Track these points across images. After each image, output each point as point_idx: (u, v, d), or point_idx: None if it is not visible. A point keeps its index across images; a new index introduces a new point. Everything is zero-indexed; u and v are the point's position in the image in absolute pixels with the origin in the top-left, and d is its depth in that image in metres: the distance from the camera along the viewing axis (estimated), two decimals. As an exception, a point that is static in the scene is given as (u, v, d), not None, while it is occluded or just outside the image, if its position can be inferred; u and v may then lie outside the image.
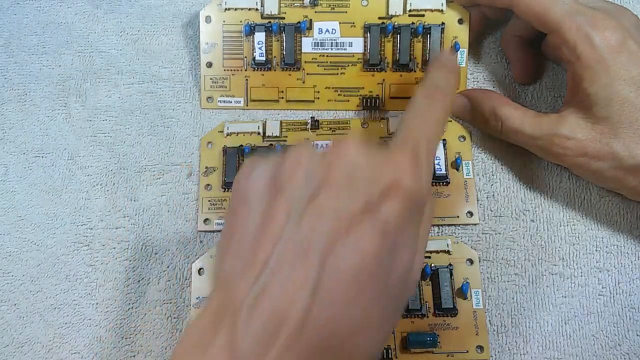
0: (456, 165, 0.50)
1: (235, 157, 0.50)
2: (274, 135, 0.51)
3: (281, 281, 0.31)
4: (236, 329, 0.31)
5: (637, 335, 0.47)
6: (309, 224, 0.32)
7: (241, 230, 0.34)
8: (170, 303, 0.49)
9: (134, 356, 0.48)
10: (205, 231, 0.50)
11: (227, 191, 0.50)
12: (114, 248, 0.50)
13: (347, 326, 0.31)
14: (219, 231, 0.50)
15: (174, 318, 0.48)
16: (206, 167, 0.51)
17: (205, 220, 0.50)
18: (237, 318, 0.31)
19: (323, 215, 0.32)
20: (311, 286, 0.31)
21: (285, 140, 0.51)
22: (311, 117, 0.52)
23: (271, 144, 0.51)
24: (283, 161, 0.35)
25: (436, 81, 0.41)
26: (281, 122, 0.52)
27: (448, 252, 0.49)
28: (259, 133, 0.51)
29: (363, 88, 0.53)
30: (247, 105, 0.53)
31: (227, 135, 0.51)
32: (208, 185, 0.51)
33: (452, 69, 0.43)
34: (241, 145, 0.51)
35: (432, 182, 0.50)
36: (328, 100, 0.53)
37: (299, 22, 0.52)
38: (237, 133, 0.51)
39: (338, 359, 0.31)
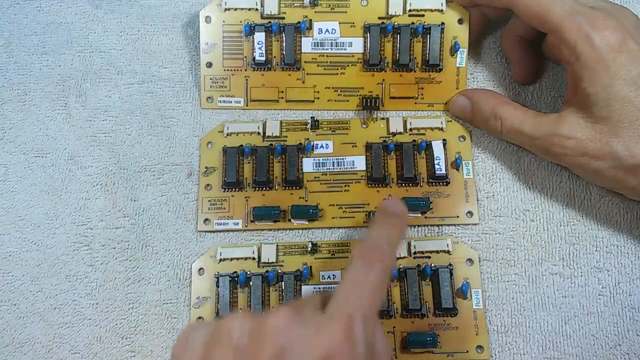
0: (456, 165, 0.50)
1: (235, 157, 0.50)
2: (274, 135, 0.51)
3: None
4: None
5: (637, 335, 0.47)
6: None
7: None
8: (170, 303, 0.49)
9: (134, 356, 0.48)
10: (205, 231, 0.50)
11: (227, 191, 0.50)
12: (114, 248, 0.50)
13: None
14: (219, 231, 0.50)
15: (174, 318, 0.48)
16: (206, 167, 0.51)
17: (205, 220, 0.50)
18: None
19: None
20: None
21: (285, 140, 0.51)
22: (311, 117, 0.52)
23: (271, 144, 0.51)
24: (216, 334, 0.35)
25: (376, 239, 0.40)
26: (281, 122, 0.52)
27: (448, 252, 0.49)
28: (259, 133, 0.51)
29: (363, 88, 0.53)
30: (247, 105, 0.53)
31: (227, 135, 0.51)
32: (208, 185, 0.51)
33: (398, 220, 0.42)
34: (241, 145, 0.51)
35: (434, 182, 0.50)
36: (328, 100, 0.53)
37: (298, 22, 0.52)
38: (237, 133, 0.51)
39: None
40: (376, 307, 0.37)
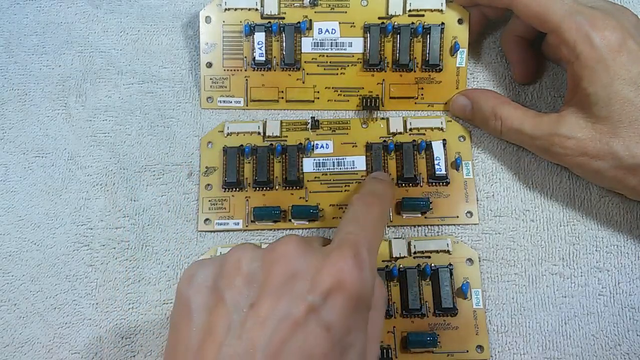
0: (456, 165, 0.50)
1: (235, 157, 0.50)
2: (274, 135, 0.51)
3: None
4: None
5: (637, 335, 0.47)
6: (250, 335, 0.32)
7: (184, 343, 0.34)
8: (170, 303, 0.49)
9: (134, 356, 0.48)
10: (205, 231, 0.50)
11: (227, 191, 0.50)
12: (114, 248, 0.50)
13: None
14: (219, 231, 0.50)
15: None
16: (206, 167, 0.51)
17: (205, 220, 0.50)
18: None
19: (264, 324, 0.32)
20: None
21: (286, 140, 0.51)
22: (311, 117, 0.52)
23: (271, 144, 0.51)
24: (223, 264, 0.35)
25: (372, 188, 0.43)
26: (281, 122, 0.52)
27: (448, 252, 0.49)
28: (259, 133, 0.51)
29: (363, 88, 0.53)
30: (247, 105, 0.53)
31: (227, 135, 0.51)
32: (208, 185, 0.51)
33: (387, 182, 0.45)
34: (241, 145, 0.51)
35: (434, 182, 0.50)
36: (328, 100, 0.53)
37: (298, 22, 0.52)
38: (237, 133, 0.51)
39: None
40: (377, 242, 0.38)
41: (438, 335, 0.47)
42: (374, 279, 0.36)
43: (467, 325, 0.48)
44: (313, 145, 0.51)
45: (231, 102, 0.53)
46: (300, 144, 0.51)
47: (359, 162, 0.51)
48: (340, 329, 0.32)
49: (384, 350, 0.47)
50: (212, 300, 0.34)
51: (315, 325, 0.32)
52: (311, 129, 0.52)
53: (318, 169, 0.51)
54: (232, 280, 0.34)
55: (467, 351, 0.47)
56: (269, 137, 0.51)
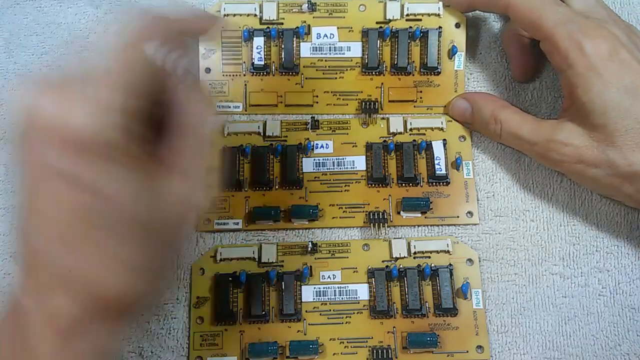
0: (456, 165, 0.51)
1: (235, 157, 0.50)
2: (274, 135, 0.51)
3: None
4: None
5: (637, 335, 0.47)
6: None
7: None
8: (170, 303, 0.48)
9: (134, 356, 0.47)
10: (205, 231, 0.50)
11: (227, 191, 0.50)
12: (114, 248, 0.50)
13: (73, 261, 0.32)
14: (219, 231, 0.50)
15: (174, 318, 0.48)
16: (206, 167, 0.51)
17: (205, 220, 0.50)
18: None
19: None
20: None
21: (286, 140, 0.51)
22: (311, 117, 0.52)
23: (271, 144, 0.51)
24: None
25: None
26: (281, 122, 0.52)
27: (448, 252, 0.49)
28: (259, 133, 0.51)
29: (361, 92, 0.53)
30: (246, 110, 0.53)
31: (227, 135, 0.51)
32: (208, 185, 0.50)
33: None
34: (241, 145, 0.51)
35: (434, 182, 0.50)
36: (327, 104, 0.53)
37: (297, 27, 0.52)
38: (237, 133, 0.51)
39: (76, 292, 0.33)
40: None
41: (438, 335, 0.47)
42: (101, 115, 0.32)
43: (467, 325, 0.48)
44: (313, 145, 0.51)
45: (230, 107, 0.53)
46: (300, 144, 0.51)
47: (359, 162, 0.51)
48: (81, 178, 0.32)
49: (384, 351, 0.46)
50: None
51: (57, 182, 0.32)
52: (311, 129, 0.52)
53: (318, 169, 0.51)
54: None
55: (467, 351, 0.47)
56: (268, 137, 0.51)
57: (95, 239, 0.32)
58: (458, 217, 0.50)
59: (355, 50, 0.53)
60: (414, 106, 0.53)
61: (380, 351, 0.47)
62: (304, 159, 0.51)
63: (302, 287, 0.48)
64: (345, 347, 0.47)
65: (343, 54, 0.53)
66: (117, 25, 0.34)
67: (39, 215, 0.33)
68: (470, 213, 0.50)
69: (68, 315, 0.32)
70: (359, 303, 0.48)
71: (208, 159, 0.37)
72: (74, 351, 0.33)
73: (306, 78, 0.53)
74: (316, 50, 0.53)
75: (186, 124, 0.36)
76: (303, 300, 0.48)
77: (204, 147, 0.37)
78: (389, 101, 0.53)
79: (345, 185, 0.50)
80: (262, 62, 0.52)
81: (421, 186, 0.50)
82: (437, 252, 0.49)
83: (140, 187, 0.33)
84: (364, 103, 0.52)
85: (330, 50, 0.53)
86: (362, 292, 0.48)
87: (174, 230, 0.36)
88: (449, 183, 0.51)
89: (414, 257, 0.49)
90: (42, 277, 0.33)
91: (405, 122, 0.52)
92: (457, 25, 0.53)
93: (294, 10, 0.53)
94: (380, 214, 0.49)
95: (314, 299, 0.48)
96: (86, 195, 0.32)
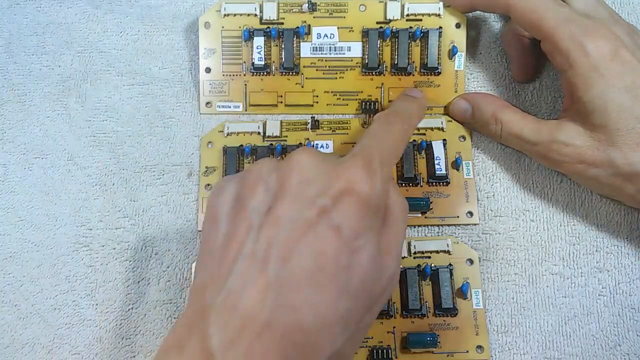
0: (456, 165, 0.51)
1: (235, 157, 0.50)
2: (274, 135, 0.51)
3: (244, 286, 0.33)
4: (206, 329, 0.33)
5: (637, 335, 0.47)
6: (266, 234, 0.34)
7: (211, 246, 0.36)
8: (170, 303, 0.49)
9: (134, 356, 0.48)
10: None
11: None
12: (114, 249, 0.50)
13: (308, 323, 0.33)
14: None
15: (174, 318, 0.48)
16: (206, 167, 0.51)
17: (205, 220, 0.50)
18: (207, 320, 0.33)
19: (279, 225, 0.34)
20: (272, 288, 0.33)
21: (285, 140, 0.51)
22: (311, 117, 0.52)
23: (271, 144, 0.51)
24: (246, 176, 0.37)
25: (396, 108, 0.44)
26: (281, 122, 0.52)
27: (448, 252, 0.49)
28: (259, 133, 0.51)
29: (362, 92, 0.53)
30: (246, 110, 0.53)
31: (227, 135, 0.51)
32: (208, 185, 0.51)
33: (417, 100, 0.47)
34: (241, 145, 0.51)
35: (434, 182, 0.50)
36: (327, 105, 0.53)
37: (297, 27, 0.52)
38: (237, 133, 0.51)
39: (303, 355, 0.33)
40: (392, 156, 0.40)
41: (438, 335, 0.47)
42: (385, 189, 0.37)
43: (467, 325, 0.48)
44: (313, 146, 0.51)
45: (230, 107, 0.53)
46: (300, 144, 0.51)
47: (359, 162, 0.51)
48: (349, 231, 0.34)
49: (384, 351, 0.47)
50: (236, 208, 0.36)
51: (325, 226, 0.34)
52: (311, 129, 0.52)
53: (318, 169, 0.51)
54: (253, 189, 0.36)
55: (467, 351, 0.47)
56: (269, 137, 0.51)
57: (332, 287, 0.33)
58: (458, 217, 0.50)
59: (355, 50, 0.53)
60: (414, 106, 0.53)
61: (380, 351, 0.47)
62: (304, 159, 0.51)
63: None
64: (345, 347, 0.47)
65: (343, 54, 0.53)
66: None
67: (289, 244, 0.34)
68: (470, 213, 0.50)
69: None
70: (359, 303, 0.48)
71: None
72: None
73: (306, 78, 0.53)
74: (316, 50, 0.53)
75: (395, 214, 0.38)
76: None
77: (403, 233, 0.40)
78: (389, 101, 0.53)
79: (345, 185, 0.50)
80: (262, 62, 0.52)
81: (421, 186, 0.50)
82: (437, 252, 0.49)
83: (376, 252, 0.36)
84: (364, 103, 0.52)
85: (330, 50, 0.53)
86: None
87: (383, 301, 0.38)
88: (449, 183, 0.51)
89: (414, 257, 0.49)
90: (249, 323, 0.33)
91: (405, 123, 0.52)
92: (458, 26, 0.53)
93: (294, 10, 0.53)
94: (380, 214, 0.49)
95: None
96: (341, 244, 0.34)
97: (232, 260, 0.34)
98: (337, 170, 0.36)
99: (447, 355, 0.47)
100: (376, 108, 0.52)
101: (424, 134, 0.52)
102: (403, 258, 0.49)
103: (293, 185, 0.35)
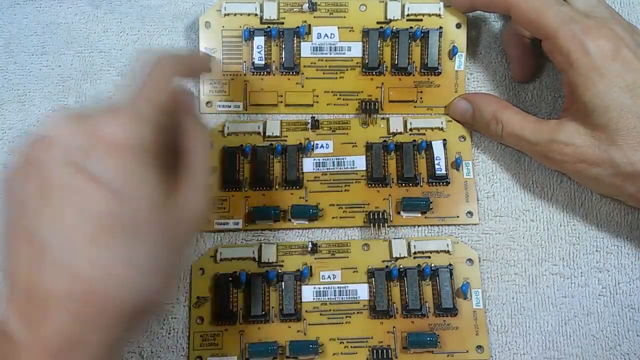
0: (456, 165, 0.51)
1: (235, 157, 0.50)
2: (274, 134, 0.51)
3: (18, 262, 0.34)
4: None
5: (637, 335, 0.47)
6: (33, 207, 0.34)
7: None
8: (170, 303, 0.48)
9: (134, 357, 0.47)
10: (205, 231, 0.50)
11: (227, 191, 0.50)
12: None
13: (93, 282, 0.33)
14: (219, 231, 0.50)
15: (174, 318, 0.48)
16: (206, 167, 0.51)
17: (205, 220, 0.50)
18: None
19: (46, 197, 0.34)
20: (47, 258, 0.33)
21: (286, 140, 0.51)
22: (311, 117, 0.52)
23: (271, 144, 0.51)
24: (14, 166, 0.36)
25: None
26: (281, 122, 0.52)
27: (448, 252, 0.49)
28: (259, 133, 0.51)
29: (362, 92, 0.53)
30: (246, 110, 0.53)
31: (227, 135, 0.51)
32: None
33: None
34: (241, 145, 0.51)
35: (434, 182, 0.50)
36: (327, 104, 0.53)
37: (297, 27, 0.52)
38: (237, 133, 0.51)
39: (101, 312, 0.33)
40: (153, 95, 0.38)
41: (438, 335, 0.47)
42: (148, 130, 0.36)
43: (467, 325, 0.48)
44: (313, 145, 0.51)
45: (230, 106, 0.53)
46: (300, 144, 0.51)
47: (359, 162, 0.51)
48: (111, 180, 0.34)
49: (384, 350, 0.47)
50: (9, 196, 0.36)
51: (86, 183, 0.34)
52: (311, 129, 0.52)
53: (318, 169, 0.51)
54: (20, 173, 0.35)
55: (467, 351, 0.47)
56: (268, 137, 0.51)
57: (110, 239, 0.34)
58: (458, 217, 0.50)
59: (355, 50, 0.53)
60: (414, 106, 0.53)
61: (380, 351, 0.47)
62: (304, 159, 0.51)
63: (302, 287, 0.48)
64: (345, 347, 0.47)
65: (343, 53, 0.53)
66: (146, 58, 0.39)
67: (56, 212, 0.34)
68: (470, 213, 0.50)
69: (64, 334, 0.33)
70: (359, 303, 0.48)
71: (210, 174, 0.41)
72: None
73: (306, 78, 0.53)
74: (316, 50, 0.53)
75: (195, 145, 0.39)
76: (303, 300, 0.48)
77: (209, 163, 0.40)
78: (389, 101, 0.53)
79: (345, 185, 0.50)
80: (263, 62, 0.52)
81: (421, 186, 0.50)
82: (437, 252, 0.49)
83: (158, 195, 0.36)
84: (364, 103, 0.52)
85: (330, 50, 0.53)
86: (362, 292, 0.48)
87: (186, 238, 0.39)
88: (449, 183, 0.50)
89: (414, 257, 0.49)
90: (36, 297, 0.33)
91: (405, 122, 0.52)
92: (458, 26, 0.53)
93: (294, 9, 0.53)
94: (380, 214, 0.49)
95: (314, 299, 0.48)
96: (107, 194, 0.34)
97: (9, 243, 0.35)
98: (87, 124, 0.35)
99: (447, 355, 0.47)
100: (376, 108, 0.52)
101: (424, 134, 0.52)
102: (403, 258, 0.49)
103: (52, 155, 0.35)
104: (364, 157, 0.51)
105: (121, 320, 0.34)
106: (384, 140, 0.51)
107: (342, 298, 0.48)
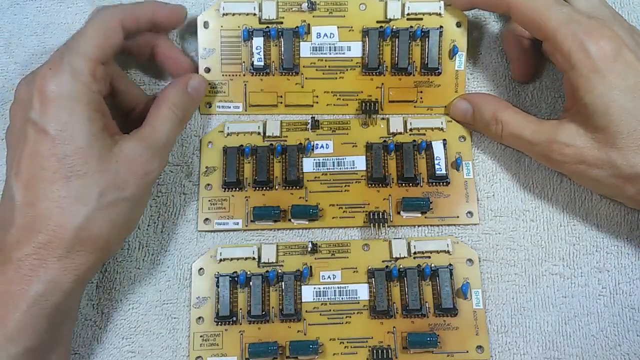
0: (456, 165, 0.51)
1: (235, 157, 0.50)
2: (274, 135, 0.51)
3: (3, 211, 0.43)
4: None
5: (637, 335, 0.47)
6: (9, 162, 0.44)
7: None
8: (170, 303, 0.48)
9: (134, 356, 0.47)
10: (205, 231, 0.50)
11: (227, 191, 0.50)
12: (114, 248, 0.50)
13: (47, 215, 0.41)
14: (219, 231, 0.50)
15: (174, 318, 0.48)
16: (206, 167, 0.51)
17: (205, 220, 0.50)
18: None
19: (22, 159, 0.42)
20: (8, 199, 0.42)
21: (286, 140, 0.51)
22: (311, 117, 0.52)
23: (271, 144, 0.51)
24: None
25: None
26: (281, 122, 0.52)
27: (448, 252, 0.49)
28: (259, 133, 0.51)
29: (362, 92, 0.53)
30: (245, 110, 0.53)
31: (228, 135, 0.51)
32: (208, 185, 0.50)
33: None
34: (241, 145, 0.51)
35: (434, 182, 0.50)
36: (327, 105, 0.53)
37: (297, 27, 0.52)
38: (238, 133, 0.51)
39: (51, 238, 0.41)
40: (88, 47, 0.45)
41: (438, 335, 0.47)
42: (87, 79, 0.43)
43: (467, 325, 0.48)
44: (313, 145, 0.51)
45: (230, 107, 0.53)
46: (300, 144, 0.51)
47: (359, 162, 0.51)
48: (52, 125, 0.42)
49: (384, 351, 0.46)
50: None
51: (34, 133, 0.42)
52: (311, 129, 0.52)
53: (318, 169, 0.51)
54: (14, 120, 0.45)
55: (467, 351, 0.47)
56: (269, 137, 0.51)
57: (58, 178, 0.41)
58: (458, 217, 0.50)
59: (355, 50, 0.53)
60: (414, 106, 0.53)
61: (380, 351, 0.47)
62: (304, 159, 0.51)
63: (302, 287, 0.48)
64: (345, 347, 0.47)
65: (343, 53, 0.53)
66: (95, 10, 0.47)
67: (15, 156, 0.43)
68: (470, 213, 0.50)
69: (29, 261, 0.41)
70: (359, 303, 0.48)
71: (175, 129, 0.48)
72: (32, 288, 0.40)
73: (306, 78, 0.53)
74: (316, 50, 0.53)
75: (169, 66, 0.51)
76: (303, 300, 0.48)
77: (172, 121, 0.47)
78: (389, 101, 0.53)
79: (345, 185, 0.50)
80: (262, 62, 0.52)
81: (421, 186, 0.50)
82: (437, 252, 0.49)
83: (97, 139, 0.43)
84: (364, 103, 0.52)
85: (330, 50, 0.53)
86: (362, 292, 0.48)
87: (138, 176, 0.44)
88: (449, 183, 0.50)
89: (414, 257, 0.49)
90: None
91: (405, 122, 0.52)
92: (459, 25, 0.53)
93: (293, 9, 0.53)
94: (380, 214, 0.49)
95: (314, 299, 0.48)
96: (48, 140, 0.41)
97: None
98: (34, 82, 0.42)
99: (447, 355, 0.47)
100: (376, 108, 0.52)
101: (424, 134, 0.52)
102: (403, 258, 0.49)
103: (14, 112, 0.44)
104: (364, 157, 0.51)
105: (75, 250, 0.42)
106: (384, 141, 0.51)
107: (342, 298, 0.48)
